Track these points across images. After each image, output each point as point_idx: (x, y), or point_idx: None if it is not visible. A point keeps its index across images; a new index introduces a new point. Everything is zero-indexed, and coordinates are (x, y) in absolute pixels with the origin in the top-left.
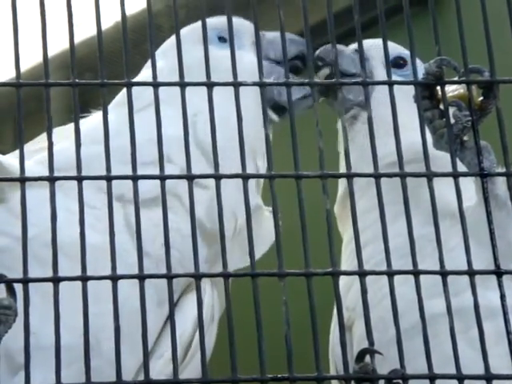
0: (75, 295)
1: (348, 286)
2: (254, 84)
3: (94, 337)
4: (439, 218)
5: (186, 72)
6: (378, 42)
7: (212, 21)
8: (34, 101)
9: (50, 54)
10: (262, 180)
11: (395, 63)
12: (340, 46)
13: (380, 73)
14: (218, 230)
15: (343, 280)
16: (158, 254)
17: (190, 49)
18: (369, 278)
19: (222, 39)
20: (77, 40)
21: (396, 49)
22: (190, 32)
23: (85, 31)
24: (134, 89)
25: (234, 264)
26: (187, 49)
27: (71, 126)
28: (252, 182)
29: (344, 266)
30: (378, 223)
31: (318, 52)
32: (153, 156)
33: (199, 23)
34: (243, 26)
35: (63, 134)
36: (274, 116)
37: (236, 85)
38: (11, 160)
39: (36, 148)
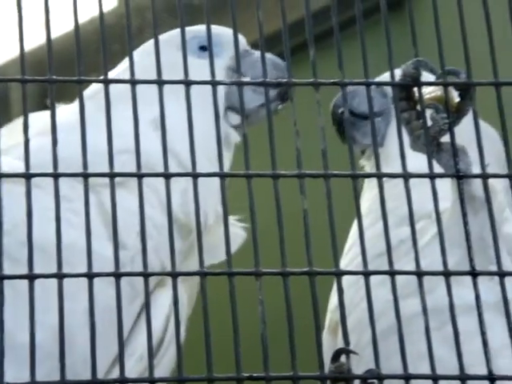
0: (48, 292)
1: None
2: (205, 82)
3: (67, 334)
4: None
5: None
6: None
7: (194, 29)
8: None
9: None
10: None
11: None
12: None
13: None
14: (192, 221)
15: None
16: (134, 244)
17: (167, 53)
18: (348, 281)
19: (203, 48)
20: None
21: None
22: (169, 37)
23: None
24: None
25: (195, 266)
26: (163, 53)
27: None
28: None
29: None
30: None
31: (334, 100)
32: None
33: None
34: (227, 37)
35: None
36: (236, 119)
37: (187, 83)
38: None
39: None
